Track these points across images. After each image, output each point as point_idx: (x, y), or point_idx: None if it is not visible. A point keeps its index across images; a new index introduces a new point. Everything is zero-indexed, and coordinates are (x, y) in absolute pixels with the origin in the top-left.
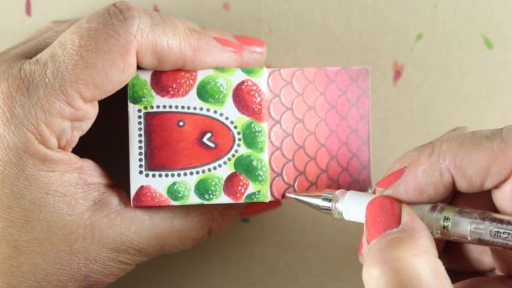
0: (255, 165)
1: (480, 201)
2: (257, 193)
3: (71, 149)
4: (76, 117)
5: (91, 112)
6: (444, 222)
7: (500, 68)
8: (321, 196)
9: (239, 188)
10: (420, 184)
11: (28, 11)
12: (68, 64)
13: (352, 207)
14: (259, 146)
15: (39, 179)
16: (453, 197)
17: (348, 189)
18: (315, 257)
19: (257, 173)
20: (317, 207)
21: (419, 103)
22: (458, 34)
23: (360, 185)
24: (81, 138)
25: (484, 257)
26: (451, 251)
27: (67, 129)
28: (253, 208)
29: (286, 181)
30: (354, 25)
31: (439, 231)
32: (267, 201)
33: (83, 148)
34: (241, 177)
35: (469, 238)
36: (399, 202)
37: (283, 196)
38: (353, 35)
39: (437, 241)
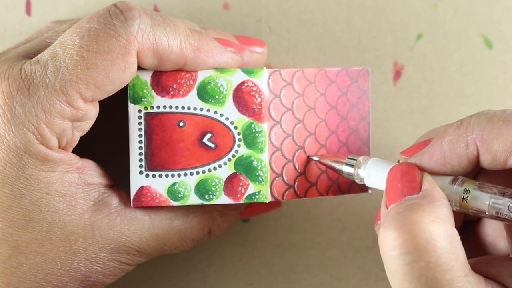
0: (255, 165)
1: (501, 182)
2: (257, 193)
3: (71, 149)
4: (77, 117)
5: (92, 112)
6: (464, 194)
7: (500, 68)
8: (344, 161)
9: (239, 188)
10: (445, 154)
11: (28, 11)
12: (68, 64)
13: (374, 173)
14: (259, 147)
15: (39, 179)
16: (475, 176)
17: (348, 190)
18: (315, 257)
19: (257, 174)
20: (339, 171)
21: (419, 103)
22: (458, 34)
23: (360, 185)
24: (81, 138)
25: (499, 242)
26: (466, 235)
27: (67, 129)
28: (253, 208)
29: (286, 181)
30: (354, 25)
31: (458, 204)
32: (267, 202)
33: (83, 148)
34: (241, 178)
35: (487, 213)
36: (421, 171)
37: (284, 196)
38: (353, 35)
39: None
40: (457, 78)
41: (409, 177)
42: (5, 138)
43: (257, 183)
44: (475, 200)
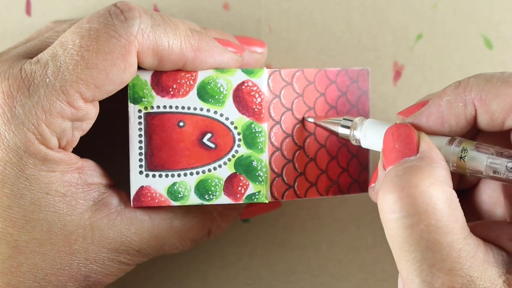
0: (255, 165)
1: (498, 145)
2: (257, 193)
3: (71, 149)
4: (77, 117)
5: (92, 112)
6: (461, 153)
7: (500, 68)
8: (340, 122)
9: (239, 188)
10: (443, 114)
11: (28, 11)
12: (69, 64)
13: (371, 133)
14: (259, 147)
15: (39, 179)
16: (472, 139)
17: (348, 190)
18: (315, 257)
19: (257, 174)
20: (335, 133)
21: None
22: (458, 34)
23: (360, 185)
24: (81, 138)
25: (496, 209)
26: (462, 203)
27: (67, 129)
28: (253, 208)
29: (286, 181)
30: (354, 25)
31: (455, 164)
32: (267, 202)
33: (83, 148)
34: (241, 178)
35: (484, 173)
36: (418, 131)
37: (284, 196)
38: (353, 35)
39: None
40: (457, 78)
41: (406, 138)
42: (5, 138)
43: (257, 183)
44: (473, 160)
